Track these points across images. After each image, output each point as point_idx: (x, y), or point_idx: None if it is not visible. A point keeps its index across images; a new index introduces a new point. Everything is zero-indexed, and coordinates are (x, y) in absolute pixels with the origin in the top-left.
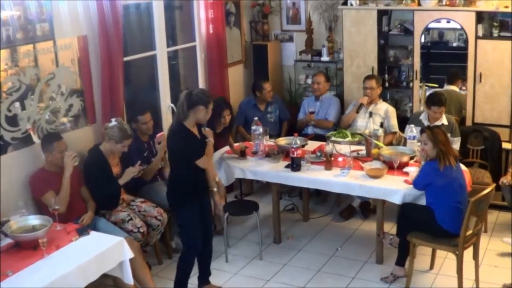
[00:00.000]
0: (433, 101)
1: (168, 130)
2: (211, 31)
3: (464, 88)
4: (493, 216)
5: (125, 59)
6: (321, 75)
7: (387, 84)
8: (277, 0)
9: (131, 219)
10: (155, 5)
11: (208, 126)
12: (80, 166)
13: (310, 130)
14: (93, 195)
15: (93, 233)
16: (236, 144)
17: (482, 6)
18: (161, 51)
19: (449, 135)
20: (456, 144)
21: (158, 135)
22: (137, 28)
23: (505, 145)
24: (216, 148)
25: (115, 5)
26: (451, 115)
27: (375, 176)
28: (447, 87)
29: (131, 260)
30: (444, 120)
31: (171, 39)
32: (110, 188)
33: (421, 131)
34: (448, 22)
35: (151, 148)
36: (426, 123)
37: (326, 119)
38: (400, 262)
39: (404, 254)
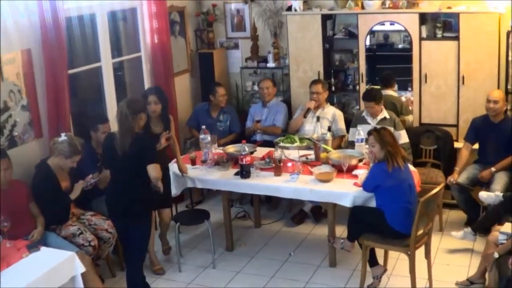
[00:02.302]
0: (364, 96)
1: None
2: (156, 41)
3: (410, 89)
4: (443, 215)
5: (70, 71)
6: (268, 80)
7: (333, 88)
8: (222, 4)
9: (81, 233)
10: (98, 16)
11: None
12: (27, 182)
13: (258, 137)
14: (43, 211)
15: (43, 248)
16: (184, 156)
17: (425, 8)
18: (106, 63)
19: (392, 129)
20: (403, 137)
21: None
22: (82, 40)
23: (457, 144)
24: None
25: (57, 18)
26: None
27: (324, 180)
28: (383, 91)
29: (83, 275)
30: (385, 114)
31: (116, 50)
32: (60, 203)
33: (369, 133)
34: (392, 24)
35: None
36: (369, 119)
37: (274, 125)
38: (373, 262)
39: (372, 253)
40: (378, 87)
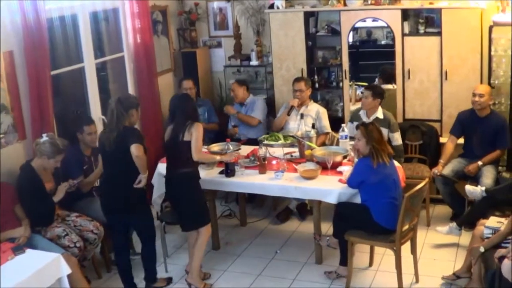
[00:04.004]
0: (366, 86)
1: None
2: (138, 40)
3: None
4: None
5: (53, 72)
6: (235, 84)
7: (317, 85)
8: (204, 2)
9: (67, 234)
10: (80, 17)
11: None
12: (13, 184)
13: (242, 136)
14: (27, 212)
15: (29, 251)
16: None
17: (407, 4)
18: (89, 63)
19: (387, 130)
20: (397, 140)
21: None
22: (64, 41)
23: (442, 140)
24: None
25: (39, 19)
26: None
27: (309, 177)
28: (384, 86)
29: (69, 276)
30: (379, 114)
31: (99, 50)
32: (44, 205)
33: (357, 128)
34: (375, 20)
35: (92, 162)
36: (364, 118)
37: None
38: (344, 262)
39: (346, 253)
40: (366, 84)
